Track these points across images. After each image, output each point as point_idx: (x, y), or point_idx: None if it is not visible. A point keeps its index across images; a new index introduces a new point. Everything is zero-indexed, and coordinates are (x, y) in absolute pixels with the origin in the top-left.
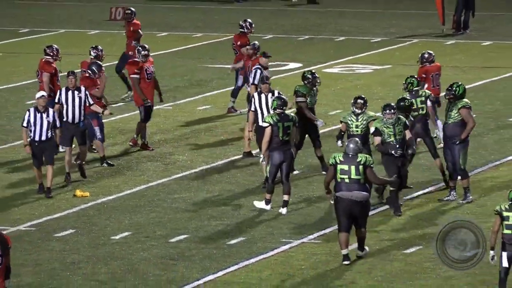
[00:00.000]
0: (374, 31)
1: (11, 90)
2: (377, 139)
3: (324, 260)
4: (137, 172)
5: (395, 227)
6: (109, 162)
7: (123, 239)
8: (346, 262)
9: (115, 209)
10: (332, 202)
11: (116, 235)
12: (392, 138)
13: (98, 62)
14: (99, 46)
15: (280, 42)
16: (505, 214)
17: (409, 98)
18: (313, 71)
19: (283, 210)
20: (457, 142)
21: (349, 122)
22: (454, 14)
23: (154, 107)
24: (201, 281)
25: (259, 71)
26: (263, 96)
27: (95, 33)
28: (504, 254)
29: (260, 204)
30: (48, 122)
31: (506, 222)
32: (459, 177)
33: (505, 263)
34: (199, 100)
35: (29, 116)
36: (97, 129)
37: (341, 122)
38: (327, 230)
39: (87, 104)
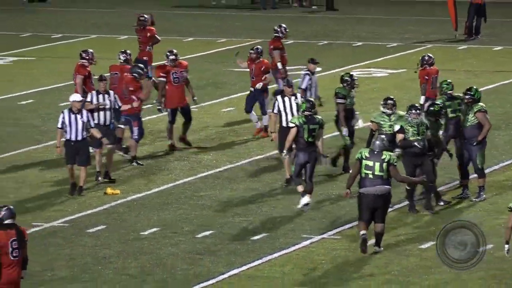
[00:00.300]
0: (390, 37)
1: (45, 93)
2: (401, 136)
3: (344, 255)
4: (165, 171)
5: (411, 224)
6: (139, 161)
7: (152, 234)
8: (363, 237)
9: (144, 206)
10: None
11: (145, 231)
12: (416, 137)
13: (140, 65)
14: (128, 51)
15: (301, 47)
16: None
17: (439, 103)
18: (351, 73)
19: (305, 208)
20: (475, 144)
21: (382, 123)
22: (466, 21)
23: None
24: (226, 275)
25: (307, 76)
26: (286, 99)
27: (124, 38)
28: None
29: (301, 202)
30: (83, 122)
31: None
32: (474, 175)
33: None
34: (224, 102)
35: (63, 117)
36: (135, 129)
37: (371, 121)
38: (346, 227)
39: (116, 107)
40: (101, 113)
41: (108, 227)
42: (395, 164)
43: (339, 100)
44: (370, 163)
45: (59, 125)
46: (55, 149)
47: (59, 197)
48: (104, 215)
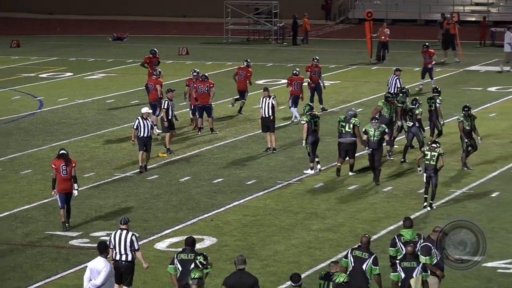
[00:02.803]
0: (332, 61)
1: (122, 95)
2: (364, 136)
3: (303, 193)
4: (194, 142)
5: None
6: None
7: (186, 180)
8: (338, 167)
9: (181, 163)
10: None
11: (182, 178)
12: (372, 138)
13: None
14: (197, 69)
15: (277, 68)
16: None
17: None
18: None
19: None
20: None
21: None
22: (377, 51)
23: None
24: (230, 205)
25: (399, 80)
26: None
27: (170, 62)
28: None
29: (310, 172)
30: (150, 125)
31: None
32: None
33: None
34: (230, 100)
35: (138, 122)
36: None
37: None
38: (303, 176)
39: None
40: (170, 112)
41: (159, 176)
42: (358, 125)
43: None
44: (344, 124)
45: (135, 127)
46: (131, 141)
47: (131, 159)
48: (157, 169)
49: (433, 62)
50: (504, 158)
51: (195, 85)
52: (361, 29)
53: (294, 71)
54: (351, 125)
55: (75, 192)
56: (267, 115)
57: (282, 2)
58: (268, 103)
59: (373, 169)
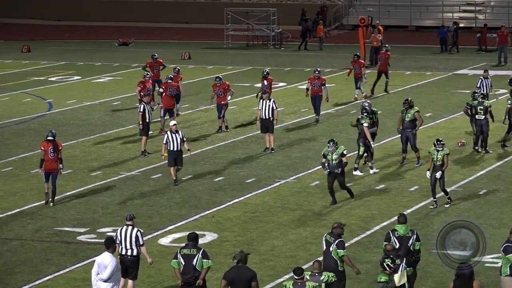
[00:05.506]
0: (327, 65)
1: (127, 97)
2: (323, 160)
3: (299, 191)
4: (196, 142)
5: None
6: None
7: (188, 179)
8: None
9: (185, 163)
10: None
11: (184, 177)
12: (331, 162)
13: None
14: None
15: (276, 71)
16: None
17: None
18: None
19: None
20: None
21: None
22: (370, 56)
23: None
24: (231, 202)
25: (481, 79)
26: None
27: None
28: None
29: (357, 172)
30: (180, 138)
31: None
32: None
33: None
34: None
35: (167, 137)
36: (223, 111)
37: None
38: (300, 174)
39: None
40: (147, 115)
41: (163, 175)
42: (377, 115)
43: None
44: (372, 116)
45: (164, 142)
46: (161, 156)
47: (136, 157)
48: (161, 167)
49: (364, 74)
50: (491, 157)
51: (220, 88)
52: (355, 35)
53: (264, 72)
54: (376, 116)
55: (61, 171)
56: (266, 117)
57: (280, 9)
58: (268, 105)
59: (331, 193)
